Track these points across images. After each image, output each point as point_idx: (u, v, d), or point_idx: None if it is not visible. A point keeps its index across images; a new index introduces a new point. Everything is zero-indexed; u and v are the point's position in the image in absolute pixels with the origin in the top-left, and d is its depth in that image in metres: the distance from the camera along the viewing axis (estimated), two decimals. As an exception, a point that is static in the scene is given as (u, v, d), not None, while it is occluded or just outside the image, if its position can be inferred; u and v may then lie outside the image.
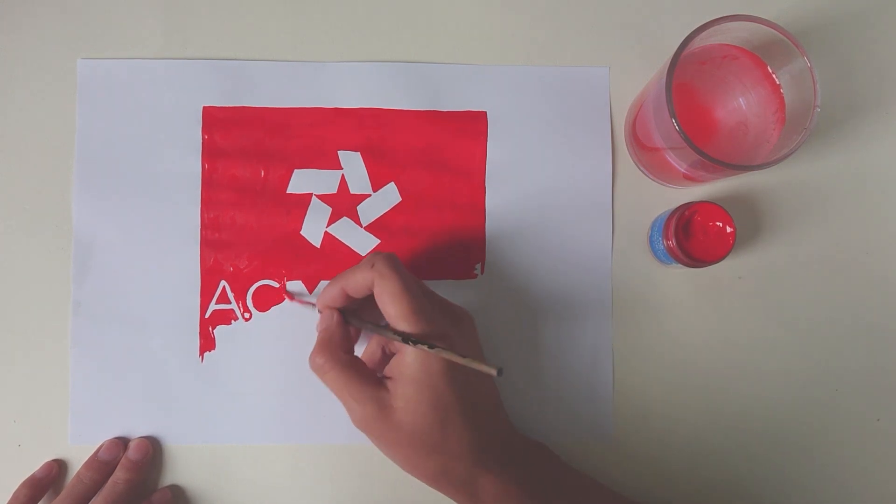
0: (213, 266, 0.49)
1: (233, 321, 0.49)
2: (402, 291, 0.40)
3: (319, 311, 0.45)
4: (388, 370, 0.42)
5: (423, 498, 0.48)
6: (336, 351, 0.42)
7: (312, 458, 0.49)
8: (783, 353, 0.50)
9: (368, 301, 0.44)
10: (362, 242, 0.50)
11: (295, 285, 0.50)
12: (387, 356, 0.46)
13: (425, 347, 0.40)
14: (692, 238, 0.46)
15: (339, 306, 0.44)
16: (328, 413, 0.49)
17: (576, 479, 0.47)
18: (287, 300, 0.49)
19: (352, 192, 0.50)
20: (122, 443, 0.48)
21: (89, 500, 0.47)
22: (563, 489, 0.46)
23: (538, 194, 0.50)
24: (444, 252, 0.50)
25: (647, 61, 0.50)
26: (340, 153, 0.50)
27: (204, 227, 0.50)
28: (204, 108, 0.50)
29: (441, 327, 0.41)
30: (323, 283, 0.50)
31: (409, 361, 0.41)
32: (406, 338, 0.40)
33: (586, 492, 0.46)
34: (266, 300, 0.50)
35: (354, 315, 0.45)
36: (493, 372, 0.38)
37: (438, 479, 0.42)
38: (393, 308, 0.40)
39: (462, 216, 0.50)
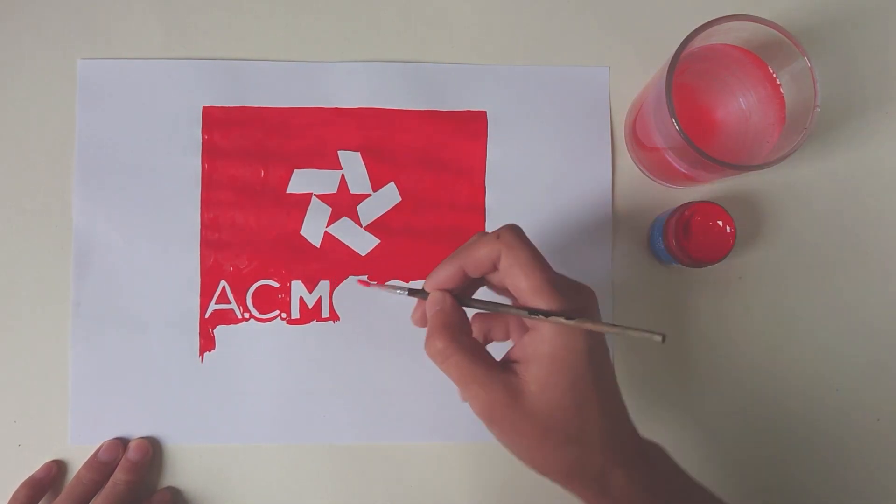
0: (213, 266, 0.49)
1: (233, 321, 0.49)
2: (534, 262, 0.36)
3: (411, 296, 0.41)
4: (513, 353, 0.38)
5: (423, 497, 0.48)
6: (457, 334, 0.37)
7: (312, 458, 0.49)
8: (783, 353, 0.50)
9: (471, 284, 0.40)
10: (362, 242, 0.50)
11: (298, 285, 0.50)
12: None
13: (562, 320, 0.36)
14: (692, 238, 0.46)
15: (452, 287, 0.39)
16: (328, 413, 0.49)
17: (695, 486, 0.42)
18: (364, 287, 0.48)
19: (352, 192, 0.50)
20: (121, 443, 0.48)
21: (89, 502, 0.47)
22: (688, 495, 0.41)
23: (538, 194, 0.50)
24: (444, 252, 0.50)
25: (647, 61, 0.50)
26: (340, 153, 0.50)
27: (204, 226, 0.50)
28: (204, 108, 0.50)
29: (575, 302, 0.37)
30: (323, 283, 0.49)
31: (547, 338, 0.36)
32: (543, 313, 0.36)
33: (707, 502, 0.42)
34: (266, 300, 0.50)
35: (467, 296, 0.40)
36: (658, 338, 0.35)
37: (570, 475, 0.37)
38: (526, 281, 0.36)
39: (462, 216, 0.50)
